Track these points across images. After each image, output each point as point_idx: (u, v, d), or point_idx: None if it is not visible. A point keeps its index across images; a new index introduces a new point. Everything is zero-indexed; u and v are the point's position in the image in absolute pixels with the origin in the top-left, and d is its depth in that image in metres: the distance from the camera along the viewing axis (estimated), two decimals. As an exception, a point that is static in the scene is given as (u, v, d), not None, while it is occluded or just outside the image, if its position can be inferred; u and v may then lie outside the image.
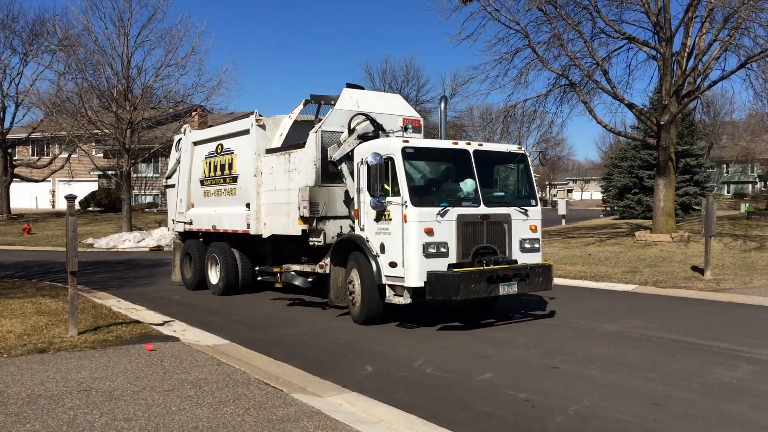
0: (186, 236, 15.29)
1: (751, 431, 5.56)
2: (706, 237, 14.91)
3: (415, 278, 9.30)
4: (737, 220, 28.75)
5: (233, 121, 13.87)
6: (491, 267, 9.54)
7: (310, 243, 11.43)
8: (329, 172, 11.23)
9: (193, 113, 42.99)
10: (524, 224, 10.28)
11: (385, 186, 9.70)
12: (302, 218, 11.19)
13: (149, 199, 49.63)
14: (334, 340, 9.40)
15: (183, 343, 8.67)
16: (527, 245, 10.29)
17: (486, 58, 53.65)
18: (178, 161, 15.42)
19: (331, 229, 11.25)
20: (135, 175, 42.66)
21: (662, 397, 6.51)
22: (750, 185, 67.15)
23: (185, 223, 14.97)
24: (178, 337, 9.08)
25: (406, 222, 9.37)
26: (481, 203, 9.87)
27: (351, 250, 10.45)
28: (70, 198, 8.94)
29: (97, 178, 48.39)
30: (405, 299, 9.55)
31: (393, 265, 9.60)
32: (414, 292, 9.46)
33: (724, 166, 68.43)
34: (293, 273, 12.02)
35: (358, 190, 10.40)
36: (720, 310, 11.55)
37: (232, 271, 13.68)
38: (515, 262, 10.02)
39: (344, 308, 10.80)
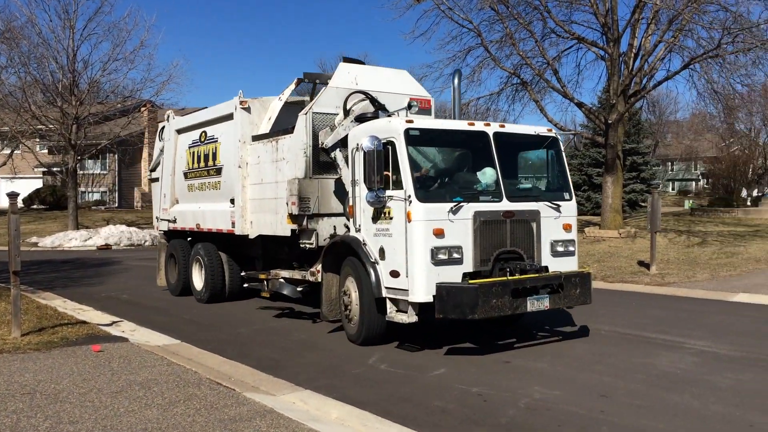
0: (172, 235, 13.82)
1: (693, 420, 5.76)
2: (651, 233, 15.36)
3: (422, 292, 7.67)
4: (681, 216, 29.71)
5: (217, 105, 12.41)
6: (517, 277, 7.87)
7: (301, 245, 9.88)
8: (322, 161, 9.67)
9: (142, 108, 42.11)
10: (556, 222, 8.57)
11: (386, 176, 8.09)
12: (291, 216, 9.66)
13: (96, 196, 48.35)
14: (288, 338, 9.33)
15: (132, 343, 8.48)
16: (560, 248, 8.57)
17: (440, 56, 54.10)
18: (162, 152, 14.06)
19: (325, 229, 9.65)
20: (81, 172, 41.46)
21: (609, 388, 6.67)
22: (693, 182, 69.42)
23: (169, 221, 13.55)
24: (127, 337, 8.88)
25: (410, 221, 7.75)
26: (504, 197, 8.21)
27: (345, 254, 8.84)
28: (13, 195, 8.63)
29: (41, 175, 46.87)
30: (409, 317, 7.91)
31: (395, 274, 7.97)
32: (421, 307, 7.90)
33: (669, 163, 70.55)
34: (281, 281, 10.39)
35: (353, 183, 8.70)
36: (665, 303, 11.91)
37: (218, 276, 12.24)
38: (545, 269, 8.36)
39: (339, 322, 9.22)
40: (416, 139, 8.14)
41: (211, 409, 5.75)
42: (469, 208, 7.93)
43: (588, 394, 6.51)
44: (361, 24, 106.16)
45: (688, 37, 21.52)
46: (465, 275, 7.82)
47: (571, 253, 8.73)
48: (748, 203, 37.03)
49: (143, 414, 5.62)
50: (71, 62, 31.07)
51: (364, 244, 8.43)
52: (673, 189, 69.60)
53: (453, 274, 7.77)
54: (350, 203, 8.80)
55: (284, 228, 9.96)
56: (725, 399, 6.28)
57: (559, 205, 8.64)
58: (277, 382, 6.94)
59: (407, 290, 7.81)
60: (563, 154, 9.13)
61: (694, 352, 8.10)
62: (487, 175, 8.34)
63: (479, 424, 5.75)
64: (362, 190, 8.42)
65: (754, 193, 40.83)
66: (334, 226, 9.62)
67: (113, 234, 28.18)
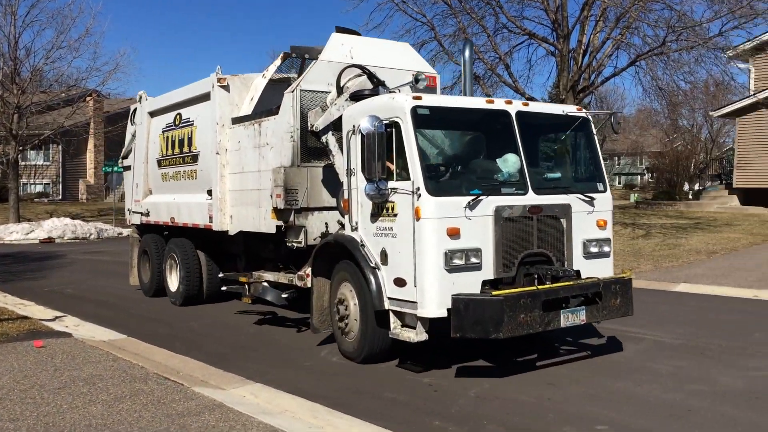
0: (145, 230, 12.64)
1: (636, 405, 5.93)
2: (598, 225, 15.71)
3: (434, 304, 6.42)
4: (627, 209, 30.51)
5: (193, 83, 11.13)
6: (549, 286, 6.68)
7: (288, 244, 8.70)
8: (312, 146, 8.46)
9: (88, 98, 40.90)
10: (589, 218, 7.37)
11: (388, 165, 6.84)
12: (276, 210, 8.47)
13: (39, 188, 46.77)
14: (239, 332, 9.23)
15: (76, 338, 8.27)
16: (593, 248, 7.38)
17: (393, 50, 53.90)
18: (134, 137, 12.83)
19: (315, 226, 8.42)
20: (23, 163, 40.00)
21: (556, 376, 6.82)
22: (639, 176, 71.36)
23: (142, 213, 12.38)
24: (71, 332, 8.65)
25: (418, 219, 6.49)
26: (529, 189, 6.97)
27: (340, 257, 7.57)
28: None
29: (-20, 166, 45.09)
30: (418, 335, 6.61)
31: (400, 282, 6.71)
32: (431, 322, 6.64)
33: (616, 158, 72.41)
34: (265, 284, 9.20)
35: (349, 172, 7.42)
36: (610, 293, 12.22)
37: (194, 276, 11.08)
38: (578, 274, 7.20)
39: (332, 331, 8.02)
40: (425, 119, 6.82)
41: (158, 404, 5.65)
42: (489, 203, 6.66)
43: (535, 382, 6.64)
44: (314, 17, 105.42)
45: (635, 35, 22.03)
46: (485, 283, 6.63)
47: (606, 255, 7.53)
48: (690, 197, 38.29)
49: (87, 410, 5.49)
50: (12, 50, 29.99)
51: (362, 246, 7.15)
52: (619, 183, 71.42)
53: (470, 283, 6.54)
54: (345, 196, 7.52)
55: (268, 224, 8.83)
56: (666, 385, 6.50)
57: (592, 198, 7.43)
58: (227, 376, 6.86)
59: (415, 302, 6.54)
60: (595, 137, 7.92)
61: (637, 341, 8.34)
62: (510, 163, 7.06)
63: (430, 413, 5.80)
64: (359, 181, 7.15)
65: (696, 186, 42.24)
66: (326, 223, 8.43)
67: (57, 227, 27.35)
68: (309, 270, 8.07)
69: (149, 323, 9.93)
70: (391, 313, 6.90)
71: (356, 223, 7.30)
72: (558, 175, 7.75)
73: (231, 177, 9.86)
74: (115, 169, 30.02)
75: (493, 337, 6.29)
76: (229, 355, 7.88)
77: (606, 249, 7.51)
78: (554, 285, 6.71)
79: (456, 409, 5.91)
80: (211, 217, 10.15)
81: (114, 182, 31.53)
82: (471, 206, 6.58)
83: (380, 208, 6.96)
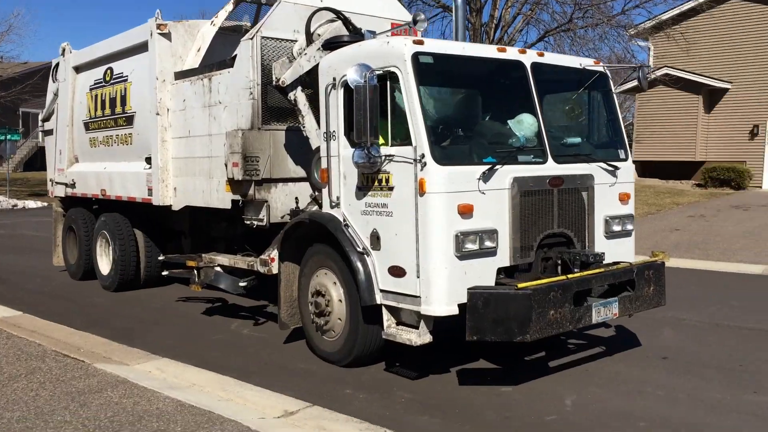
0: (71, 203, 11.12)
1: (539, 371, 6.19)
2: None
3: (442, 299, 5.27)
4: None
5: (127, 31, 9.57)
6: (579, 274, 5.61)
7: (246, 222, 7.43)
8: (274, 106, 7.26)
9: (-22, 60, 37.99)
10: (612, 191, 6.34)
11: (381, 126, 5.52)
12: (232, 182, 7.29)
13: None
14: (145, 307, 8.94)
15: (-35, 317, 7.77)
16: (616, 227, 6.35)
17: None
18: (56, 96, 11.21)
19: (280, 200, 7.24)
20: None
21: (474, 348, 6.99)
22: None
23: (66, 184, 10.84)
24: (-41, 311, 8.12)
25: (423, 194, 5.26)
26: (549, 157, 5.88)
27: (314, 239, 6.32)
28: None
29: None
30: (421, 336, 5.43)
31: (397, 272, 5.51)
32: (436, 321, 5.44)
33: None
34: (218, 269, 7.84)
35: (328, 136, 6.09)
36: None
37: (130, 258, 9.68)
38: (602, 258, 5.98)
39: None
40: (429, 69, 5.53)
41: (56, 383, 5.41)
42: (506, 173, 5.54)
43: (450, 351, 6.75)
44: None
45: (544, 11, 22.71)
46: (500, 272, 5.56)
47: (629, 233, 6.53)
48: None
49: (-23, 391, 5.18)
50: None
51: (346, 226, 5.88)
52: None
53: (484, 271, 5.43)
54: (323, 165, 6.19)
55: (222, 198, 7.62)
56: (565, 350, 6.77)
57: (615, 167, 6.38)
58: (132, 351, 6.64)
59: (418, 297, 5.35)
60: (614, 95, 6.88)
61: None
62: (525, 125, 5.94)
63: (341, 382, 5.84)
64: (342, 147, 5.92)
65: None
66: (297, 198, 7.23)
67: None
68: (275, 254, 6.85)
69: (48, 299, 9.45)
70: (384, 310, 5.70)
71: (337, 198, 6.02)
72: (578, 140, 6.63)
73: (175, 142, 8.55)
74: (8, 137, 28.22)
75: (518, 339, 5.17)
76: (134, 331, 7.62)
77: (629, 227, 6.52)
78: (585, 273, 5.65)
79: (367, 377, 5.96)
80: (150, 190, 8.83)
81: (8, 151, 29.61)
82: (485, 177, 5.43)
83: (370, 179, 5.69)
